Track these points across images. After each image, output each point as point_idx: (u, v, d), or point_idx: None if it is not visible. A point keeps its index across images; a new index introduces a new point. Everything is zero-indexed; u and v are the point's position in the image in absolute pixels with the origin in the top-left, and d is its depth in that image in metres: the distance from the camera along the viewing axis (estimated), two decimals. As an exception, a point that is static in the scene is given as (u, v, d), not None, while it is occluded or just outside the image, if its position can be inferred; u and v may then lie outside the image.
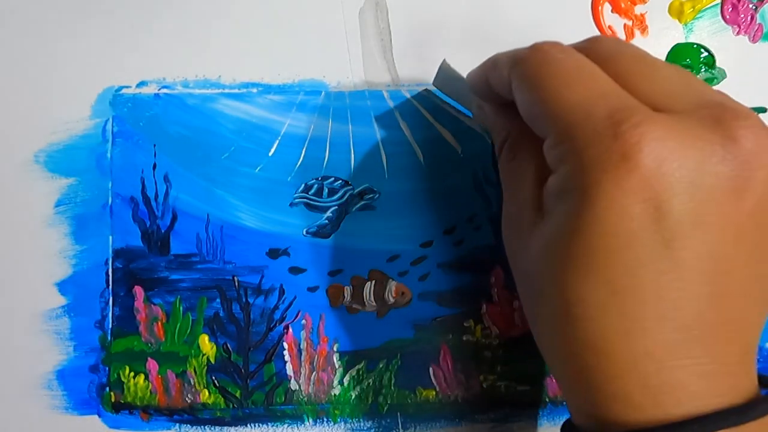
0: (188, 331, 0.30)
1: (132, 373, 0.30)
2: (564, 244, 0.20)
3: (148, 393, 0.30)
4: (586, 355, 0.20)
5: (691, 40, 0.32)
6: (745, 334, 0.20)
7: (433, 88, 0.30)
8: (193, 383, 0.30)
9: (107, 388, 0.30)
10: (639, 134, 0.18)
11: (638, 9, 0.32)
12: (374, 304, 0.30)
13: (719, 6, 0.32)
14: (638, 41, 0.32)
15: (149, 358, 0.30)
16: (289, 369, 0.30)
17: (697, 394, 0.19)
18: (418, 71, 0.31)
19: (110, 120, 0.30)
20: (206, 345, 0.30)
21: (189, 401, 0.30)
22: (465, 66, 0.28)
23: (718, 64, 0.31)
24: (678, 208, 0.18)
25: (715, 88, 0.31)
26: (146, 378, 0.30)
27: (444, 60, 0.28)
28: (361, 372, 0.30)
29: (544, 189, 0.22)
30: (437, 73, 0.29)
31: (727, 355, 0.19)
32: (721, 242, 0.19)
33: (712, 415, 0.19)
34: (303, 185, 0.30)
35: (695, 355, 0.19)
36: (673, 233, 0.18)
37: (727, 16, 0.32)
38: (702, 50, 0.32)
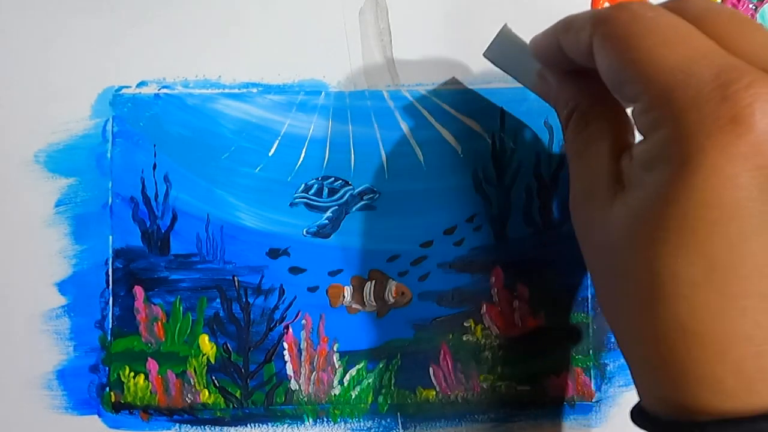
0: (188, 331, 0.30)
1: (132, 373, 0.30)
2: (656, 215, 0.18)
3: (148, 393, 0.30)
4: (674, 336, 0.18)
5: (692, 40, 0.32)
6: None
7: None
8: (193, 383, 0.30)
9: (107, 388, 0.30)
10: (751, 96, 0.17)
11: (638, 9, 0.31)
12: (374, 304, 0.30)
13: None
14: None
15: (149, 358, 0.30)
16: (289, 369, 0.30)
17: None
18: (418, 71, 0.31)
19: (110, 120, 0.30)
20: (206, 345, 0.30)
21: (189, 401, 0.30)
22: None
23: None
24: None
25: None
26: (146, 378, 0.30)
27: (505, 25, 0.27)
28: (361, 372, 0.30)
29: (624, 160, 0.21)
30: (494, 40, 0.27)
31: None
32: None
33: None
34: (303, 185, 0.30)
35: None
36: None
37: (728, 16, 0.32)
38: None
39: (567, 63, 0.23)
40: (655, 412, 0.20)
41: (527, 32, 0.31)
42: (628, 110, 0.23)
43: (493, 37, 0.27)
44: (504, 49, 0.27)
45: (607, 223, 0.20)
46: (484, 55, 0.28)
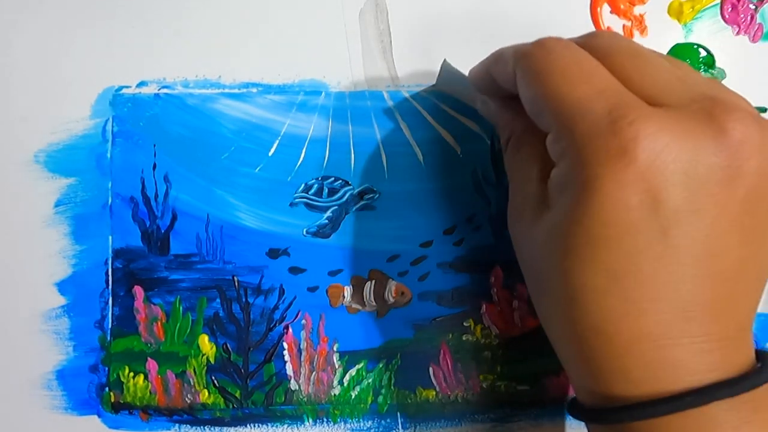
0: (188, 331, 0.30)
1: (132, 373, 0.30)
2: (566, 234, 0.21)
3: (148, 393, 0.30)
4: (588, 337, 0.21)
5: (691, 40, 0.32)
6: (740, 312, 0.21)
7: (434, 90, 0.30)
8: (192, 383, 0.30)
9: (107, 388, 0.30)
10: (635, 130, 0.19)
11: (637, 10, 0.32)
12: (374, 304, 0.30)
13: (719, 6, 0.32)
14: (638, 41, 0.32)
15: (149, 358, 0.30)
16: (289, 369, 0.30)
17: (694, 369, 0.20)
18: (418, 71, 0.31)
19: (110, 120, 0.30)
20: (206, 345, 0.30)
21: (189, 401, 0.30)
22: (466, 64, 0.28)
23: (718, 64, 0.32)
24: (674, 198, 0.19)
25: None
26: (146, 378, 0.30)
27: (444, 60, 0.29)
28: (361, 372, 0.30)
29: (549, 182, 0.22)
30: (439, 72, 0.29)
31: (722, 332, 0.20)
32: (716, 228, 0.20)
33: (707, 387, 0.20)
34: (303, 185, 0.30)
35: (692, 334, 0.20)
36: (670, 222, 0.19)
37: (727, 16, 0.32)
38: (701, 50, 0.32)
39: (501, 91, 0.25)
40: (584, 402, 0.23)
41: (527, 32, 0.31)
42: None
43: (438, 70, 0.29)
44: (448, 81, 0.30)
45: (532, 239, 0.23)
46: (435, 84, 0.30)
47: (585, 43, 0.22)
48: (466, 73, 0.28)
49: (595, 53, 0.21)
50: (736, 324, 0.21)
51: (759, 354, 0.22)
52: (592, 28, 0.32)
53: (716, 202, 0.19)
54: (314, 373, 0.30)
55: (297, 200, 0.30)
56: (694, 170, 0.19)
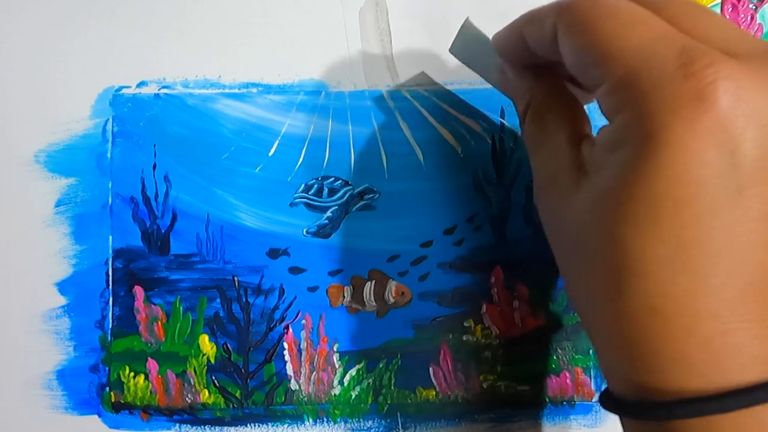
0: (188, 331, 0.30)
1: (132, 373, 0.30)
2: (623, 194, 0.18)
3: (148, 393, 0.30)
4: (641, 315, 0.18)
5: (691, 40, 0.32)
6: None
7: (435, 88, 0.30)
8: (193, 383, 0.30)
9: (107, 388, 0.30)
10: (714, 73, 0.17)
11: (638, 9, 0.32)
12: (374, 304, 0.30)
13: (719, 6, 0.32)
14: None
15: (149, 358, 0.30)
16: (289, 369, 0.30)
17: (759, 358, 0.18)
18: (418, 71, 0.31)
19: (110, 120, 0.30)
20: (206, 345, 0.30)
21: (189, 401, 0.30)
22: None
23: (718, 64, 0.31)
24: (753, 153, 0.17)
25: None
26: (146, 378, 0.30)
27: (467, 18, 0.27)
28: (361, 372, 0.30)
29: (584, 148, 0.21)
30: (457, 35, 0.27)
31: None
32: None
33: None
34: (303, 185, 0.30)
35: (757, 316, 0.18)
36: (746, 180, 0.17)
37: (727, 16, 0.32)
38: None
39: (527, 57, 0.23)
40: (622, 395, 0.20)
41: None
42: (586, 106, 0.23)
43: (457, 31, 0.27)
44: (467, 44, 0.27)
45: (572, 206, 0.21)
46: (450, 50, 0.28)
47: None
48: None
49: (645, 5, 0.20)
50: None
51: None
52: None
53: None
54: (314, 373, 0.30)
55: (297, 200, 0.30)
56: None
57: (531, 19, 0.22)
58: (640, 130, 0.18)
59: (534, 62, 0.23)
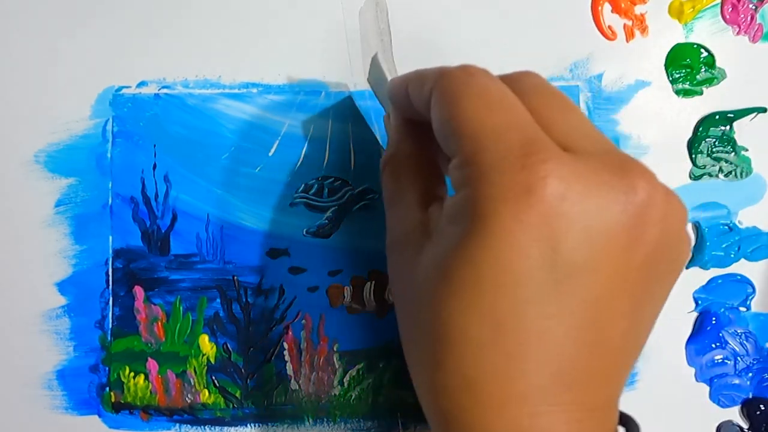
0: (188, 331, 0.30)
1: (132, 373, 0.30)
2: (452, 271, 0.19)
3: (148, 393, 0.30)
4: (457, 390, 0.19)
5: (691, 40, 0.32)
6: (615, 382, 0.20)
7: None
8: (193, 383, 0.30)
9: (107, 388, 0.30)
10: (546, 169, 0.18)
11: (638, 9, 0.32)
12: (374, 304, 0.30)
13: (719, 6, 0.32)
14: (638, 41, 0.32)
15: (149, 358, 0.30)
16: (289, 369, 0.30)
17: None
18: (418, 71, 0.31)
19: (110, 120, 0.30)
20: (206, 345, 0.30)
21: (189, 401, 0.30)
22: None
23: (718, 64, 0.31)
24: (573, 252, 0.18)
25: (713, 88, 0.32)
26: (146, 378, 0.30)
27: (376, 54, 0.27)
28: (361, 372, 0.30)
29: (433, 212, 0.22)
30: (369, 68, 0.28)
31: (594, 402, 0.19)
32: (608, 291, 0.18)
33: None
34: (303, 185, 0.30)
35: (565, 402, 0.19)
36: (564, 276, 0.18)
37: (727, 16, 0.32)
38: (702, 50, 0.32)
39: (411, 112, 0.24)
40: None
41: (527, 32, 0.31)
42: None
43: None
44: (375, 79, 0.28)
45: (414, 270, 0.21)
46: (367, 79, 0.28)
47: (510, 79, 0.21)
48: (392, 75, 0.27)
49: (517, 91, 0.20)
50: (608, 395, 0.20)
51: (622, 417, 0.21)
52: (593, 28, 0.32)
53: (614, 264, 0.18)
54: (314, 373, 0.30)
55: (297, 200, 0.30)
56: (598, 225, 0.18)
57: (416, 77, 0.23)
58: (473, 211, 0.18)
59: (416, 118, 0.23)
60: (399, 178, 0.24)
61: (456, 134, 0.20)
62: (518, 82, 0.21)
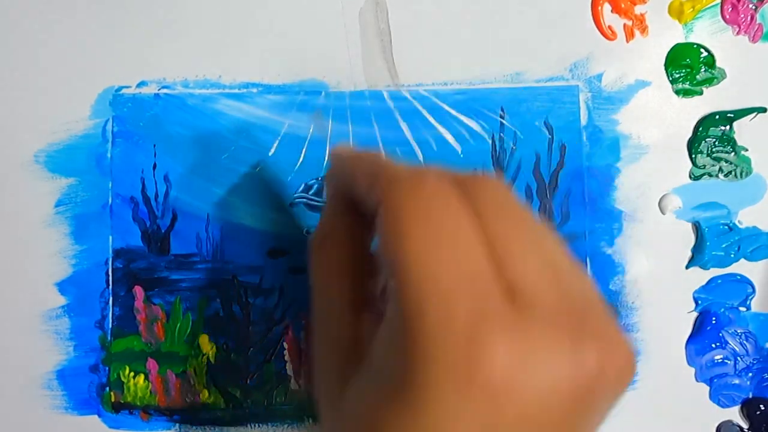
0: (188, 331, 0.30)
1: (132, 373, 0.30)
2: (383, 423, 0.17)
3: (148, 393, 0.30)
4: None
5: (691, 40, 0.32)
6: None
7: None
8: (193, 383, 0.30)
9: (107, 388, 0.30)
10: (493, 341, 0.16)
11: (638, 9, 0.32)
12: (374, 304, 0.30)
13: (719, 6, 0.32)
14: (638, 41, 0.32)
15: (149, 358, 0.30)
16: (289, 369, 0.30)
17: None
18: (418, 71, 0.31)
19: (110, 120, 0.30)
20: (206, 345, 0.30)
21: (189, 401, 0.30)
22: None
23: (718, 64, 0.31)
24: (515, 428, 0.16)
25: (713, 88, 0.31)
26: (146, 378, 0.30)
27: (319, 110, 0.27)
28: (361, 372, 0.30)
29: (365, 322, 0.20)
30: (313, 125, 0.28)
31: None
32: None
33: None
34: (303, 185, 0.30)
35: None
36: None
37: (727, 16, 0.32)
38: (702, 50, 0.32)
39: (351, 194, 0.22)
40: None
41: (527, 32, 0.31)
42: None
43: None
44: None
45: (337, 413, 0.20)
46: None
47: (469, 184, 0.19)
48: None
49: (474, 203, 0.19)
50: None
51: None
52: (593, 28, 0.31)
53: None
54: (314, 373, 0.30)
55: (297, 200, 0.30)
56: (544, 399, 0.17)
57: (365, 174, 0.21)
58: (412, 369, 0.17)
59: (356, 199, 0.22)
60: (330, 270, 0.22)
61: (399, 281, 0.18)
62: (478, 194, 0.19)
